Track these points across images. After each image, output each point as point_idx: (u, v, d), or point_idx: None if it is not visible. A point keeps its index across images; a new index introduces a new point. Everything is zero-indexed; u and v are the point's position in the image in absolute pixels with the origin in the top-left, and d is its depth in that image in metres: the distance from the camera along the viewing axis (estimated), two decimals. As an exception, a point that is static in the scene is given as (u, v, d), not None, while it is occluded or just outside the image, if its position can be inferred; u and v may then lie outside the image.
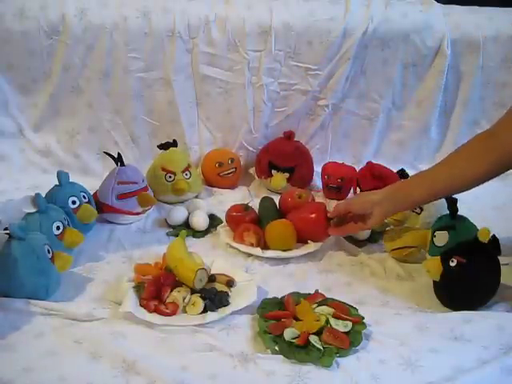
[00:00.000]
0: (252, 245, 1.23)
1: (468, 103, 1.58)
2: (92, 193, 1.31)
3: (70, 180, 1.26)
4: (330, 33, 1.48)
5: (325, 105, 1.57)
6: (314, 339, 0.93)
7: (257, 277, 1.14)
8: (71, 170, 1.39)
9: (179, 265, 1.08)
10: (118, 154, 1.35)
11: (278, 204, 1.34)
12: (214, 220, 1.35)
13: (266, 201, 1.35)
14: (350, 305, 1.03)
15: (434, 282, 1.07)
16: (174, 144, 1.46)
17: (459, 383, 0.86)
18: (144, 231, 1.33)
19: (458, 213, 1.17)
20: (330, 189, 1.47)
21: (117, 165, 1.34)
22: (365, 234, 1.28)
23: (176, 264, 1.09)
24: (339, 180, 1.45)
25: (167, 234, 1.31)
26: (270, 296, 1.07)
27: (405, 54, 1.52)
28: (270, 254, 1.21)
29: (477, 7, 1.57)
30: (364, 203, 1.15)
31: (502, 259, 1.04)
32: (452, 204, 1.16)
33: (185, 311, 1.03)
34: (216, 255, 1.22)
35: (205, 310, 1.02)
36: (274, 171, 1.50)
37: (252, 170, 1.61)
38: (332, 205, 1.36)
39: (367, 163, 1.46)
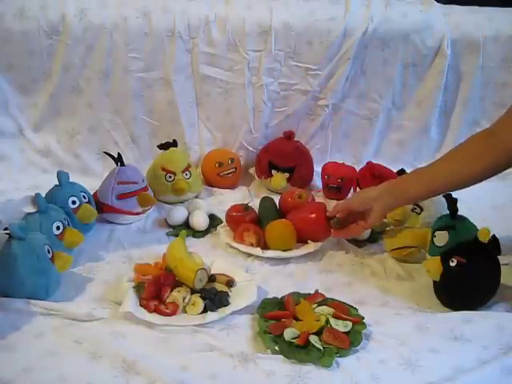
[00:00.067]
0: (252, 245, 1.23)
1: (468, 103, 1.58)
2: (92, 193, 1.31)
3: (70, 180, 1.26)
4: (330, 33, 1.48)
5: (325, 105, 1.57)
6: (313, 339, 0.93)
7: (257, 277, 1.14)
8: (71, 170, 1.40)
9: (179, 265, 1.08)
10: (118, 154, 1.35)
11: (278, 204, 1.34)
12: (213, 220, 1.35)
13: (265, 201, 1.35)
14: (350, 305, 1.03)
15: (434, 282, 1.07)
16: (174, 144, 1.46)
17: (459, 383, 0.86)
18: (144, 231, 1.33)
19: (458, 213, 1.17)
20: (330, 189, 1.47)
21: (117, 165, 1.34)
22: (365, 233, 1.28)
23: (176, 264, 1.09)
24: (339, 180, 1.45)
25: (167, 234, 1.31)
26: (270, 296, 1.07)
27: (405, 54, 1.52)
28: (269, 254, 1.21)
29: (477, 7, 1.57)
30: (363, 199, 1.15)
31: (501, 259, 1.04)
32: (452, 204, 1.16)
33: (185, 311, 1.03)
34: (216, 255, 1.22)
35: (205, 310, 1.02)
36: (274, 171, 1.50)
37: (252, 170, 1.61)
38: (332, 205, 1.36)
39: (367, 163, 1.46)
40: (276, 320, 0.99)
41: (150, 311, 1.01)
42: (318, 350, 0.92)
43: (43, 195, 1.17)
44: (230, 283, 1.09)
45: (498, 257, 1.04)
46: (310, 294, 1.07)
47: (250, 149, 1.60)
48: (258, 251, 1.21)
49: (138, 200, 1.32)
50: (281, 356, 0.92)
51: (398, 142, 1.62)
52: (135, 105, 1.53)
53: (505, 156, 1.03)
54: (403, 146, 1.62)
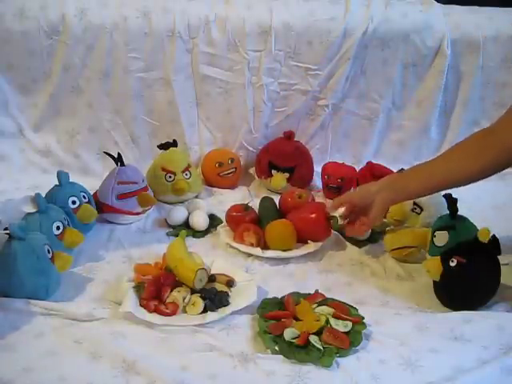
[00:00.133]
0: (252, 245, 1.23)
1: (468, 103, 1.58)
2: (92, 193, 1.31)
3: (70, 180, 1.26)
4: (330, 33, 1.48)
5: (325, 105, 1.57)
6: (313, 339, 0.93)
7: (257, 277, 1.14)
8: (71, 170, 1.40)
9: (179, 265, 1.08)
10: (118, 154, 1.35)
11: (278, 204, 1.34)
12: (213, 220, 1.35)
13: (266, 201, 1.35)
14: (350, 305, 1.03)
15: (434, 282, 1.07)
16: (174, 144, 1.46)
17: (459, 383, 0.86)
18: (144, 231, 1.33)
19: (458, 213, 1.17)
20: (330, 189, 1.47)
21: (117, 165, 1.34)
22: (365, 233, 1.28)
23: (176, 264, 1.09)
24: (339, 180, 1.45)
25: (167, 234, 1.31)
26: (270, 296, 1.07)
27: (405, 54, 1.52)
28: (269, 254, 1.21)
29: (477, 7, 1.57)
30: (364, 193, 1.15)
31: (501, 259, 1.04)
32: (452, 204, 1.16)
33: (185, 311, 1.03)
34: (216, 255, 1.22)
35: (205, 310, 1.02)
36: (274, 171, 1.50)
37: (252, 170, 1.61)
38: (332, 205, 1.36)
39: (367, 163, 1.46)
40: (276, 320, 0.99)
41: (150, 311, 1.01)
42: (318, 349, 0.92)
43: (43, 195, 1.17)
44: (230, 283, 1.09)
45: (498, 257, 1.04)
46: (310, 294, 1.07)
47: (250, 149, 1.60)
48: (258, 251, 1.21)
49: (138, 200, 1.32)
50: (281, 356, 0.92)
51: (398, 142, 1.62)
52: (135, 105, 1.53)
53: (504, 155, 1.03)
54: (403, 146, 1.62)
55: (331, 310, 1.00)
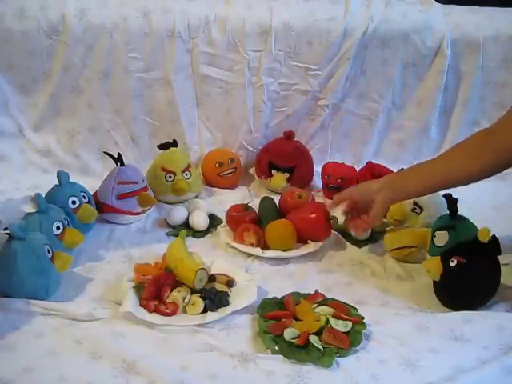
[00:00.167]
0: (252, 245, 1.23)
1: (468, 103, 1.58)
2: (92, 193, 1.31)
3: (70, 180, 1.26)
4: (330, 33, 1.48)
5: (325, 105, 1.57)
6: (313, 339, 0.93)
7: (257, 277, 1.14)
8: (71, 170, 1.40)
9: (179, 265, 1.08)
10: (118, 154, 1.35)
11: (278, 204, 1.34)
12: (213, 220, 1.35)
13: (266, 201, 1.35)
14: (350, 305, 1.03)
15: (434, 282, 1.07)
16: (174, 144, 1.46)
17: (459, 383, 0.86)
18: (144, 231, 1.33)
19: (458, 213, 1.17)
20: (330, 189, 1.46)
21: (117, 165, 1.34)
22: (365, 233, 1.28)
23: (176, 264, 1.09)
24: (339, 180, 1.45)
25: (167, 234, 1.31)
26: (270, 296, 1.07)
27: (405, 54, 1.52)
28: (269, 254, 1.21)
29: (477, 7, 1.57)
30: (365, 191, 1.15)
31: (502, 259, 1.04)
32: (452, 204, 1.16)
33: (185, 311, 1.03)
34: (216, 255, 1.21)
35: (205, 310, 1.02)
36: (274, 171, 1.50)
37: (252, 170, 1.61)
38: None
39: (367, 163, 1.46)
40: (276, 320, 0.99)
41: (150, 311, 1.01)
42: (318, 349, 0.92)
43: (43, 195, 1.17)
44: (230, 283, 1.09)
45: (498, 257, 1.04)
46: (310, 294, 1.07)
47: (250, 149, 1.60)
48: (258, 251, 1.21)
49: (138, 200, 1.32)
50: (281, 356, 0.92)
51: (398, 141, 1.62)
52: (135, 105, 1.53)
53: (505, 155, 1.03)
54: (403, 146, 1.62)
55: (331, 310, 1.00)
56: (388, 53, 1.51)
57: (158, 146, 1.45)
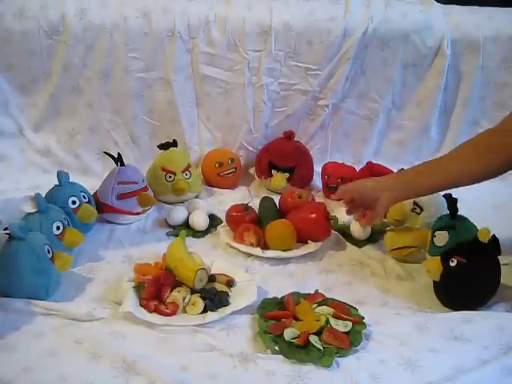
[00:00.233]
0: (252, 245, 1.23)
1: (468, 103, 1.58)
2: (92, 193, 1.31)
3: (70, 180, 1.26)
4: (330, 33, 1.48)
5: (325, 105, 1.57)
6: (313, 339, 0.93)
7: (257, 277, 1.14)
8: (71, 170, 1.40)
9: (179, 265, 1.08)
10: (118, 154, 1.35)
11: (278, 204, 1.34)
12: (213, 220, 1.35)
13: (266, 201, 1.35)
14: (350, 305, 1.03)
15: (434, 282, 1.07)
16: (174, 144, 1.46)
17: (459, 383, 0.86)
18: (144, 231, 1.33)
19: (458, 213, 1.17)
20: (330, 189, 1.46)
21: (117, 165, 1.34)
22: (365, 233, 1.28)
23: (176, 264, 1.09)
24: (339, 180, 1.45)
25: (167, 234, 1.31)
26: (270, 296, 1.07)
27: (405, 54, 1.52)
28: (270, 254, 1.21)
29: (477, 7, 1.57)
30: (375, 186, 1.14)
31: (502, 259, 1.04)
32: (452, 204, 1.16)
33: (185, 311, 1.03)
34: (216, 255, 1.22)
35: (205, 310, 1.02)
36: (274, 171, 1.50)
37: (252, 170, 1.61)
38: (332, 205, 1.36)
39: (367, 163, 1.46)
40: (276, 320, 0.99)
41: (150, 311, 1.01)
42: (318, 349, 0.92)
43: (43, 195, 1.17)
44: (230, 283, 1.09)
45: (498, 257, 1.04)
46: (310, 294, 1.07)
47: (250, 149, 1.60)
48: (258, 251, 1.21)
49: (138, 200, 1.32)
50: (281, 356, 0.92)
51: (398, 142, 1.62)
52: (135, 105, 1.53)
53: (510, 156, 1.03)
54: (403, 146, 1.62)
55: (331, 310, 1.00)
56: (388, 53, 1.51)
57: (158, 146, 1.45)
